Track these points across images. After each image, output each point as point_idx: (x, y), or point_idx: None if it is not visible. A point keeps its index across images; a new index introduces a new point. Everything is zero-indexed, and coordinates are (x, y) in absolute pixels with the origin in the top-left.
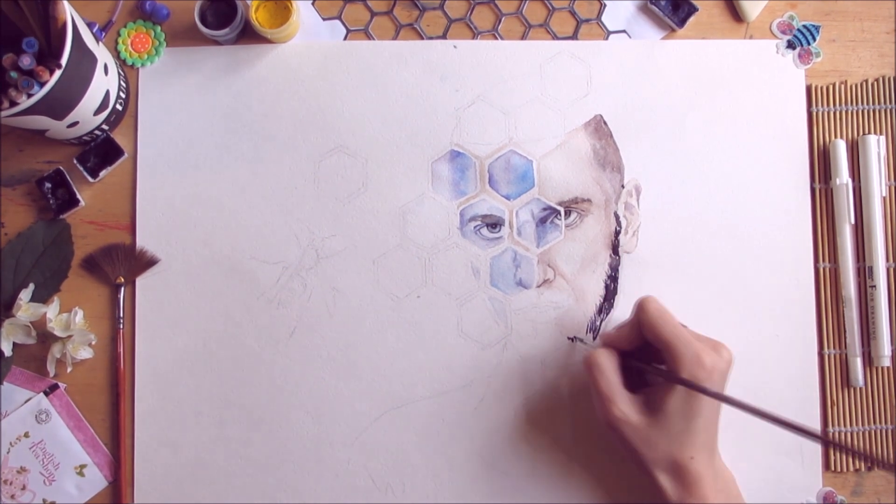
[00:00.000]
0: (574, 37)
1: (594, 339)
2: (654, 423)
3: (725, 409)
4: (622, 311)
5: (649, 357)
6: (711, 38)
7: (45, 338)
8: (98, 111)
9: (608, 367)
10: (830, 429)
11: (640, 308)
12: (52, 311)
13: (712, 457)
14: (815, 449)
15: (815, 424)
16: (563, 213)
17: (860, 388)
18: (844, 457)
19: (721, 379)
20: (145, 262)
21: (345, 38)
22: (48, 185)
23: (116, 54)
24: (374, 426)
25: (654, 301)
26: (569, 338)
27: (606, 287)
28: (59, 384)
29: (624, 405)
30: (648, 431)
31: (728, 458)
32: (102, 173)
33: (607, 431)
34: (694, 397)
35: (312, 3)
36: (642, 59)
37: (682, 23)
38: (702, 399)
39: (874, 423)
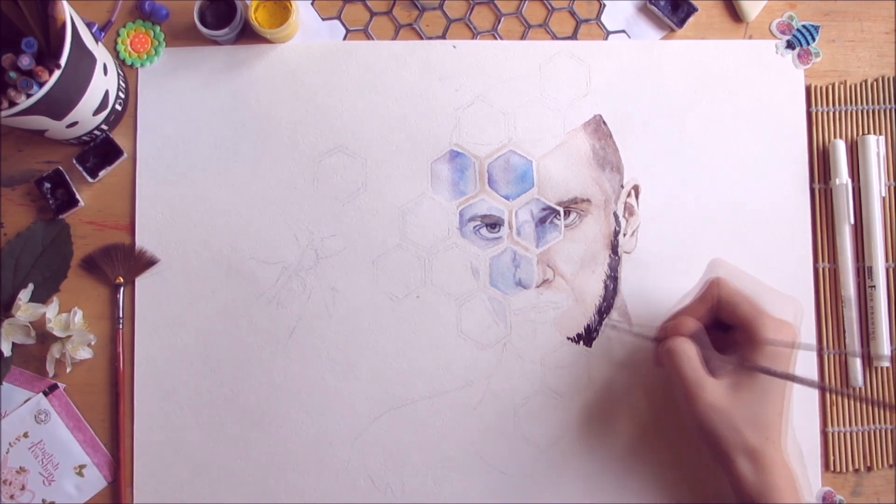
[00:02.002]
0: (573, 37)
1: (630, 324)
2: (740, 405)
3: None
4: (622, 312)
5: (711, 333)
6: (711, 38)
7: (45, 338)
8: (97, 111)
9: (691, 354)
10: (830, 429)
11: (716, 288)
12: (51, 311)
13: (782, 440)
14: (816, 449)
15: (815, 424)
16: (562, 213)
17: (860, 389)
18: (844, 456)
19: (795, 353)
20: (145, 262)
21: (344, 38)
22: (47, 185)
23: (116, 54)
24: (373, 426)
25: (726, 281)
26: (607, 324)
27: (606, 287)
28: (59, 384)
29: (712, 392)
30: (733, 415)
31: None
32: (102, 173)
33: (690, 418)
34: (772, 379)
35: (312, 3)
36: (642, 59)
37: (681, 23)
38: (778, 380)
39: (874, 423)
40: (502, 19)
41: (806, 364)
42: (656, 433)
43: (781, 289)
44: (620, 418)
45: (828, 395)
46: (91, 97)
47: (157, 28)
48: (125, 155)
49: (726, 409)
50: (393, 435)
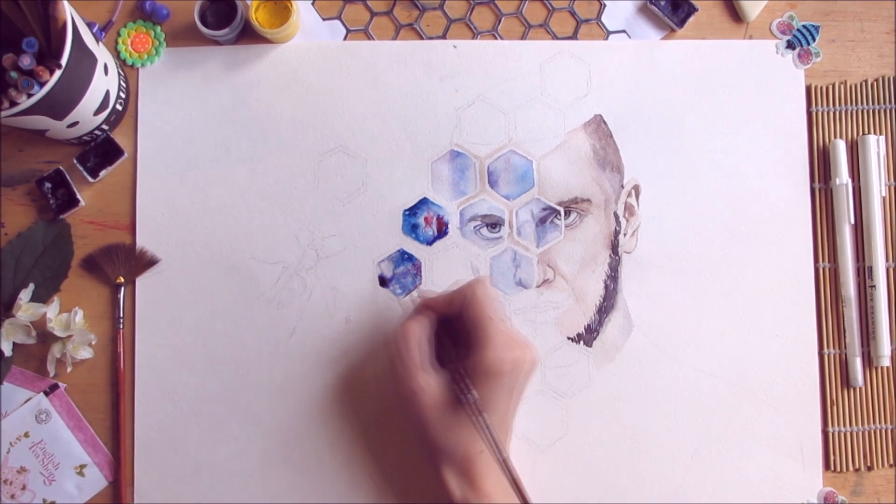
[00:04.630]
0: (574, 37)
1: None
2: (453, 410)
3: (730, 407)
4: (622, 312)
5: (454, 335)
6: (711, 38)
7: (45, 338)
8: (98, 111)
9: (416, 337)
10: (830, 429)
11: (474, 286)
12: (52, 311)
13: (501, 454)
14: (816, 449)
15: (816, 424)
16: (562, 213)
17: (860, 388)
18: (844, 455)
19: (524, 377)
20: (145, 262)
21: (345, 39)
22: (48, 185)
23: (116, 54)
24: (373, 426)
25: (488, 285)
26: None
27: (606, 287)
28: (59, 384)
29: (426, 379)
30: (444, 411)
31: (729, 457)
32: (102, 173)
33: (403, 406)
34: (492, 385)
35: (312, 3)
36: (642, 59)
37: (681, 23)
38: (499, 388)
39: (874, 423)
40: (503, 19)
41: (806, 364)
42: (656, 433)
43: (782, 289)
44: (620, 418)
45: (828, 395)
46: (92, 97)
47: (158, 28)
48: (126, 155)
49: (437, 404)
50: (393, 435)
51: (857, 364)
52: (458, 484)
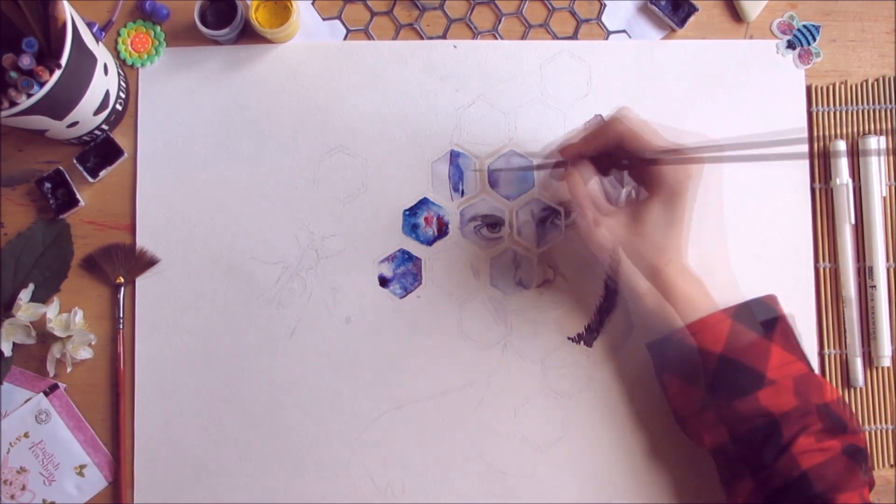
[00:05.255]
0: (574, 37)
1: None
2: (638, 234)
3: None
4: (622, 311)
5: (607, 162)
6: (711, 38)
7: (45, 338)
8: (98, 111)
9: (584, 192)
10: None
11: (619, 122)
12: (51, 311)
13: (684, 260)
14: None
15: None
16: (562, 213)
17: (860, 389)
18: None
19: (695, 184)
20: (145, 262)
21: (345, 38)
22: (48, 185)
23: (116, 54)
24: (374, 426)
25: (631, 113)
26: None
27: (606, 287)
28: (59, 384)
29: (610, 220)
30: (633, 243)
31: None
32: (102, 173)
33: (591, 245)
34: (672, 202)
35: (312, 3)
36: (642, 59)
37: (682, 23)
38: (678, 203)
39: (874, 423)
40: (503, 19)
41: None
42: (656, 433)
43: (782, 289)
44: (621, 418)
45: None
46: (91, 97)
47: (158, 28)
48: (125, 155)
49: (626, 239)
50: (393, 435)
51: (858, 364)
52: (652, 296)
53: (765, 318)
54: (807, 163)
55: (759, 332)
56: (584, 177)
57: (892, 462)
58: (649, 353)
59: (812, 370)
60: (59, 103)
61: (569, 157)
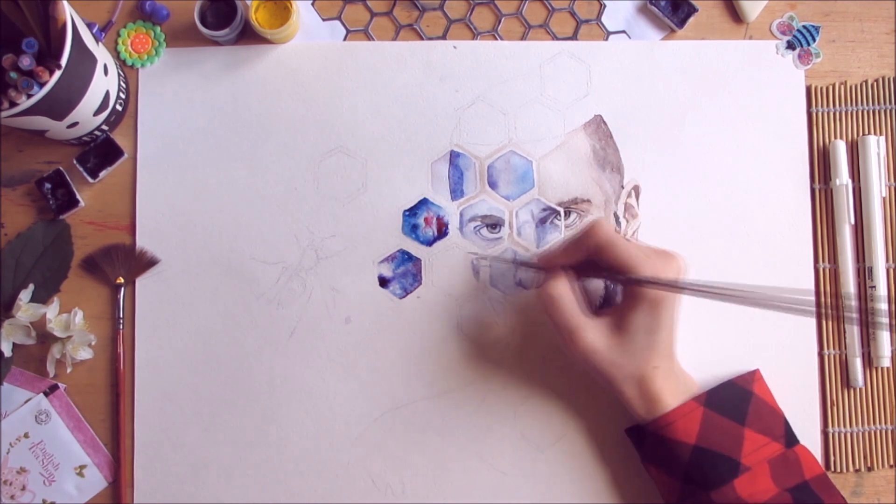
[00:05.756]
0: (574, 37)
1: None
2: (619, 343)
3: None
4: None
5: (590, 270)
6: (711, 39)
7: (45, 338)
8: (98, 112)
9: (567, 297)
10: (830, 429)
11: (593, 232)
12: (51, 311)
13: (672, 363)
14: (816, 449)
15: (815, 425)
16: (562, 213)
17: (860, 389)
18: (844, 456)
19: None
20: (145, 263)
21: (344, 39)
22: (48, 185)
23: (116, 55)
24: (373, 426)
25: (605, 225)
26: (473, 261)
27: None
28: (59, 385)
29: (590, 334)
30: (615, 352)
31: None
32: (102, 174)
33: (572, 360)
34: (655, 310)
35: (312, 4)
36: (642, 59)
37: (681, 23)
38: (662, 310)
39: (874, 423)
40: (503, 20)
41: (806, 364)
42: None
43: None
44: (621, 418)
45: (828, 395)
46: (91, 97)
47: (158, 28)
48: (125, 155)
49: (608, 350)
50: (393, 435)
51: (858, 364)
52: (640, 402)
53: (737, 400)
54: (806, 163)
55: (732, 417)
56: (562, 288)
57: (891, 462)
58: (630, 439)
59: (790, 443)
60: (59, 104)
61: (547, 266)
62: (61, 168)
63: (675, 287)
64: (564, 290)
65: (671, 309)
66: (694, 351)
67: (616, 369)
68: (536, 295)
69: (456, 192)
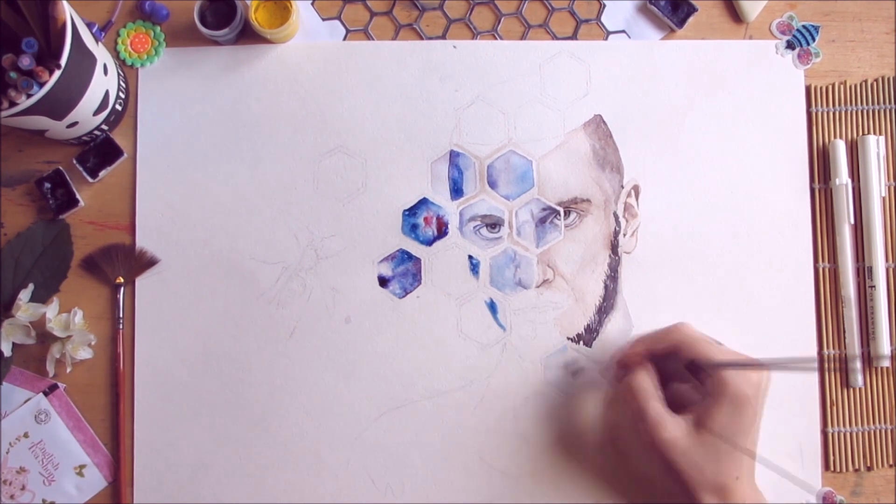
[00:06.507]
0: (573, 37)
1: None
2: (702, 443)
3: None
4: (622, 312)
5: (671, 367)
6: (711, 39)
7: (45, 338)
8: (97, 111)
9: (652, 390)
10: (830, 429)
11: (676, 329)
12: (51, 311)
13: (753, 478)
14: (815, 449)
15: (815, 425)
16: (562, 213)
17: (860, 389)
18: (844, 456)
19: (763, 395)
20: (145, 262)
21: (344, 39)
22: (48, 185)
23: (116, 54)
24: (373, 426)
25: (690, 326)
26: (568, 363)
27: (606, 287)
28: (59, 384)
29: (673, 428)
30: (698, 453)
31: None
32: (102, 173)
33: (650, 454)
34: (738, 409)
35: (312, 4)
36: (642, 59)
37: (681, 23)
38: (747, 409)
39: (874, 423)
40: (502, 19)
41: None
42: None
43: (782, 289)
44: (620, 418)
45: (828, 395)
46: (91, 97)
47: (158, 28)
48: (125, 155)
49: (689, 448)
50: (393, 435)
51: (857, 365)
52: None
53: None
54: (806, 163)
55: None
56: (646, 380)
57: (891, 462)
58: None
59: None
60: (58, 103)
61: (631, 363)
62: (61, 168)
63: (761, 365)
64: (648, 383)
65: (755, 410)
66: None
67: (697, 472)
68: (622, 386)
69: (456, 191)
